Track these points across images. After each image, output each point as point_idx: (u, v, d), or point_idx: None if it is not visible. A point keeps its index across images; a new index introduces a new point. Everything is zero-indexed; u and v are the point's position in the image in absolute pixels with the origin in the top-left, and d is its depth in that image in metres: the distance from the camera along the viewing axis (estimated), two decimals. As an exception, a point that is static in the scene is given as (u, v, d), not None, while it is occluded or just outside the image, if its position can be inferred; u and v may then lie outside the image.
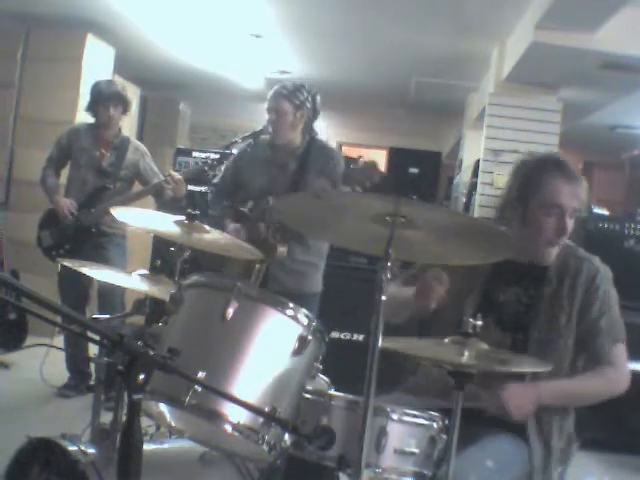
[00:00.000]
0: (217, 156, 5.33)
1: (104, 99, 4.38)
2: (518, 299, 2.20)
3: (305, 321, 1.83)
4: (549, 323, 2.14)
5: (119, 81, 5.69)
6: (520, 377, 2.10)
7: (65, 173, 4.65)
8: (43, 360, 3.66)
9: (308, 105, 3.54)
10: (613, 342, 2.15)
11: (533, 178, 2.15)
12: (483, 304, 2.18)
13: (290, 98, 3.50)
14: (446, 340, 1.84)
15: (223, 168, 3.90)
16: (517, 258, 2.15)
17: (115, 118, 4.45)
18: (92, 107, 4.46)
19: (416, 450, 1.77)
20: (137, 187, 4.59)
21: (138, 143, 4.69)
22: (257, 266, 3.47)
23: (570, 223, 2.15)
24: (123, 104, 4.47)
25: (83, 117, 4.65)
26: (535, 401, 2.04)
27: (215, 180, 3.96)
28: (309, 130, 3.60)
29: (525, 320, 2.17)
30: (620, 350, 2.17)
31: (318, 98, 3.61)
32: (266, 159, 3.63)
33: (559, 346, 2.12)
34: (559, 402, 2.12)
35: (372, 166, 3.43)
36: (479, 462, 1.92)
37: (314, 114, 3.60)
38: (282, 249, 3.47)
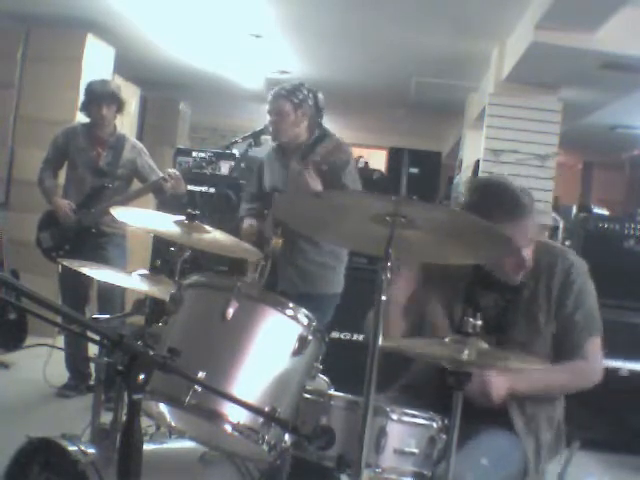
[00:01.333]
0: (217, 151, 5.33)
1: (97, 99, 4.37)
2: (496, 303, 2.21)
3: (305, 321, 1.83)
4: (528, 324, 2.15)
5: (114, 80, 5.72)
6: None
7: (62, 174, 4.64)
8: (47, 360, 3.67)
9: (309, 102, 3.56)
10: (588, 335, 2.15)
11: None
12: (468, 309, 2.19)
13: (289, 97, 3.52)
14: (446, 339, 1.85)
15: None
16: (489, 268, 2.18)
17: (109, 117, 4.44)
18: (86, 107, 4.45)
19: (416, 450, 1.77)
20: (135, 185, 4.59)
21: (134, 140, 4.68)
22: (261, 263, 3.50)
23: (528, 251, 2.13)
24: (117, 103, 4.46)
25: (83, 117, 4.64)
26: (510, 387, 2.05)
27: (246, 186, 4.10)
28: (315, 127, 3.61)
29: (505, 322, 2.18)
30: (594, 343, 2.16)
31: (320, 95, 3.62)
32: (275, 159, 3.71)
33: (539, 345, 2.13)
34: (531, 390, 2.11)
35: (337, 146, 3.51)
36: (474, 460, 1.93)
37: (317, 111, 3.61)
38: (277, 241, 3.49)
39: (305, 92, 3.55)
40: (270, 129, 3.61)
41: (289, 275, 3.54)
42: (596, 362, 2.17)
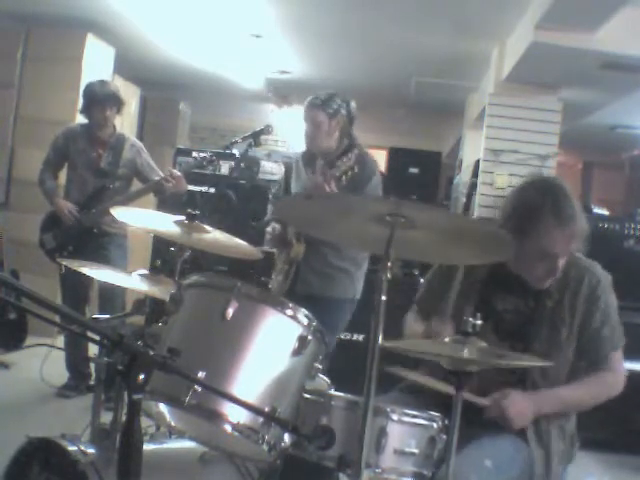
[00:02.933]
0: (217, 151, 5.33)
1: (99, 101, 4.36)
2: (517, 309, 2.19)
3: (305, 321, 1.83)
4: (550, 336, 2.13)
5: (112, 81, 5.71)
6: (521, 382, 2.09)
7: (62, 175, 4.64)
8: (45, 360, 3.67)
9: (343, 112, 3.58)
10: (612, 349, 2.18)
11: (529, 223, 2.07)
12: (480, 310, 2.18)
13: (324, 108, 3.55)
14: (446, 339, 1.85)
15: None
16: (515, 270, 2.16)
17: (110, 119, 4.44)
18: (87, 109, 4.44)
19: (416, 450, 1.77)
20: (136, 184, 4.59)
21: (134, 140, 4.68)
22: (285, 267, 3.54)
23: (563, 260, 2.12)
24: (118, 104, 4.46)
25: (83, 117, 4.64)
26: (535, 411, 2.06)
27: (274, 190, 4.14)
28: (346, 135, 3.63)
29: (525, 331, 2.16)
30: (619, 355, 2.20)
31: (352, 104, 3.65)
32: (302, 165, 3.73)
33: (558, 359, 2.11)
34: (559, 410, 2.13)
35: (360, 160, 3.51)
36: (478, 462, 1.92)
37: (350, 120, 3.63)
38: (298, 248, 3.52)
39: (339, 102, 3.58)
40: (305, 139, 3.65)
41: (307, 277, 3.56)
42: (621, 372, 2.21)
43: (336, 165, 3.44)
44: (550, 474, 2.08)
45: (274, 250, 3.74)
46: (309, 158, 3.71)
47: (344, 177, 3.32)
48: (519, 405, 2.02)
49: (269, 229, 3.67)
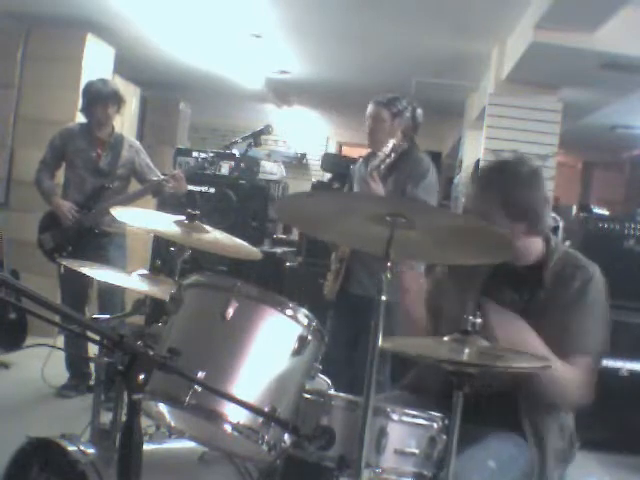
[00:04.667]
0: (217, 151, 5.33)
1: (101, 99, 4.36)
2: (513, 301, 2.19)
3: (305, 321, 1.83)
4: (540, 329, 2.10)
5: (113, 79, 5.71)
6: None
7: (60, 174, 4.63)
8: (46, 360, 3.67)
9: (407, 114, 3.60)
10: (580, 350, 2.03)
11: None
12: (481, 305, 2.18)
13: (388, 106, 3.58)
14: (446, 338, 1.84)
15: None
16: (512, 261, 2.15)
17: (111, 117, 4.44)
18: (88, 107, 4.44)
19: (416, 450, 1.77)
20: (134, 184, 4.59)
21: (132, 140, 4.68)
22: (337, 266, 3.55)
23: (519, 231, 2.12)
24: (119, 103, 4.46)
25: (83, 118, 4.64)
26: (519, 327, 2.02)
27: None
28: (408, 140, 3.63)
29: None
30: (584, 362, 2.03)
31: (419, 111, 3.66)
32: (362, 166, 3.75)
33: (553, 352, 2.04)
34: (522, 347, 1.97)
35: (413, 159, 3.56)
36: (481, 462, 1.92)
37: (414, 125, 3.64)
38: (345, 247, 3.53)
39: (405, 104, 3.60)
40: (368, 137, 3.66)
41: (362, 279, 3.56)
42: (583, 382, 2.03)
43: (376, 156, 3.44)
44: (545, 470, 2.08)
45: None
46: (369, 160, 3.71)
47: (382, 165, 3.32)
48: (507, 322, 2.01)
49: None
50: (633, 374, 4.37)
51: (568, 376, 2.00)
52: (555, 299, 2.13)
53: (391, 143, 3.41)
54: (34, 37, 6.17)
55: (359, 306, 3.47)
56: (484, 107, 6.09)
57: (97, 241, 4.39)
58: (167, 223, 2.42)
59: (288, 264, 5.72)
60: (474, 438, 1.92)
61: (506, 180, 2.13)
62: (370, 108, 3.65)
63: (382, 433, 1.73)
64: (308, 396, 1.83)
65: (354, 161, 3.75)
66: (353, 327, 3.56)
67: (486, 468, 1.92)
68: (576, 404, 2.08)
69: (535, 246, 2.19)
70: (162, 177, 4.34)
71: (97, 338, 1.49)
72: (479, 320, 1.79)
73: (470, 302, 2.17)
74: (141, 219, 2.56)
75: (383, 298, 1.68)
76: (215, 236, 2.46)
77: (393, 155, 3.36)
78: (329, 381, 2.22)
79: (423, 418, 1.80)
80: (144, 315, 2.61)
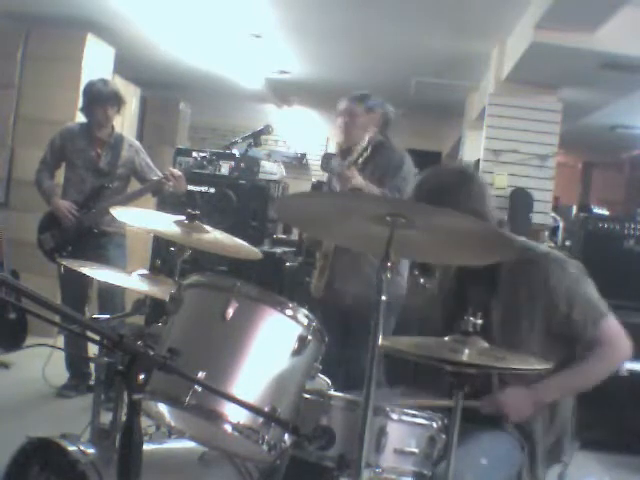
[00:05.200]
0: (217, 151, 5.33)
1: (101, 99, 4.35)
2: (479, 299, 2.15)
3: (305, 321, 1.83)
4: (509, 327, 2.11)
5: (113, 80, 5.71)
6: (521, 378, 2.08)
7: (59, 174, 4.63)
8: (47, 360, 3.67)
9: (380, 110, 3.68)
10: (596, 323, 2.08)
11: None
12: (455, 301, 2.19)
13: (361, 101, 3.65)
14: (446, 339, 1.85)
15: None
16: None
17: (111, 118, 4.44)
18: (88, 107, 4.43)
19: (416, 450, 1.77)
20: (133, 184, 4.59)
21: (132, 139, 4.68)
22: (321, 262, 3.56)
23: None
24: (119, 103, 4.46)
25: (83, 117, 4.64)
26: (535, 403, 2.03)
27: None
28: (382, 134, 3.69)
29: (484, 321, 2.13)
30: (607, 325, 2.09)
31: (390, 108, 3.76)
32: (337, 163, 3.77)
33: (522, 350, 2.03)
34: (564, 394, 2.10)
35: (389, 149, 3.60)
36: (474, 460, 1.93)
37: (386, 121, 3.72)
38: (328, 242, 3.54)
39: (378, 101, 3.70)
40: (339, 132, 3.71)
41: (348, 278, 3.57)
42: (619, 340, 2.10)
43: (352, 150, 3.48)
44: (536, 468, 2.08)
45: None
46: (342, 155, 3.74)
47: (360, 159, 3.36)
48: (516, 401, 2.01)
49: None
50: (633, 374, 4.36)
51: (609, 351, 2.08)
52: (519, 296, 2.11)
53: (367, 137, 3.48)
54: (34, 37, 6.16)
55: (346, 302, 3.49)
56: (484, 107, 6.09)
57: (97, 241, 4.39)
58: (167, 223, 2.42)
59: (288, 264, 5.72)
60: (466, 436, 1.91)
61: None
62: (343, 104, 3.70)
63: (382, 432, 1.74)
64: (308, 396, 1.83)
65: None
66: (342, 323, 3.57)
67: (479, 466, 1.92)
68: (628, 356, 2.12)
69: None
70: (162, 176, 4.34)
71: (97, 338, 1.49)
72: (479, 321, 1.79)
73: (447, 303, 2.17)
74: (141, 219, 2.56)
75: (383, 298, 1.67)
76: (215, 236, 2.46)
77: (370, 149, 3.43)
78: (329, 381, 2.22)
79: (422, 417, 1.80)
80: (144, 315, 2.62)
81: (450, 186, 2.14)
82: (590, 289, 2.13)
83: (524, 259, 2.11)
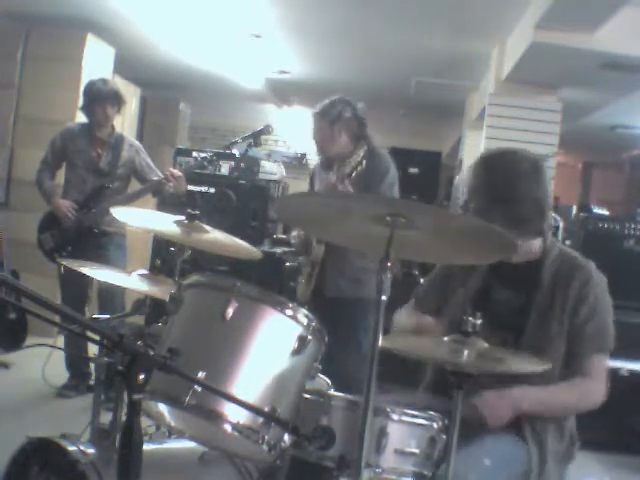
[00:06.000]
0: (217, 151, 5.33)
1: (101, 98, 4.36)
2: (509, 301, 2.19)
3: (305, 321, 1.83)
4: (540, 329, 2.12)
5: (114, 79, 5.71)
6: (513, 378, 2.08)
7: (60, 174, 4.63)
8: (47, 360, 3.67)
9: (346, 115, 3.61)
10: (595, 350, 2.10)
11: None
12: (479, 302, 2.18)
13: (323, 115, 3.61)
14: (445, 339, 1.84)
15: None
16: (508, 259, 2.15)
17: (111, 117, 4.44)
18: (89, 107, 4.44)
19: (416, 450, 1.77)
20: (134, 184, 4.59)
21: (132, 139, 4.69)
22: (308, 269, 3.57)
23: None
24: (119, 103, 4.47)
25: (83, 117, 4.64)
26: (513, 408, 2.02)
27: None
28: (358, 137, 3.66)
29: (516, 323, 2.15)
30: (600, 361, 2.12)
31: (358, 106, 3.68)
32: (322, 169, 3.80)
33: (550, 353, 2.07)
34: (538, 411, 2.08)
35: (374, 156, 3.58)
36: (477, 461, 1.92)
37: (358, 122, 3.66)
38: (318, 249, 3.57)
39: (339, 107, 3.61)
40: (316, 149, 3.74)
41: (336, 280, 3.58)
42: (601, 381, 2.11)
43: (345, 163, 3.47)
44: (544, 473, 2.07)
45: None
46: (326, 163, 3.76)
47: (354, 173, 3.36)
48: (493, 405, 2.00)
49: (294, 233, 3.73)
50: (633, 374, 4.37)
51: (591, 389, 2.10)
52: (555, 299, 2.13)
53: (362, 151, 3.52)
54: (34, 37, 6.16)
55: (334, 307, 3.49)
56: (484, 107, 6.09)
57: (97, 241, 4.39)
58: (167, 223, 2.42)
59: (288, 264, 5.71)
60: (469, 436, 1.91)
61: (506, 174, 2.16)
62: (311, 121, 3.69)
63: (382, 433, 1.74)
64: (308, 396, 1.83)
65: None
66: (331, 329, 3.57)
67: (482, 466, 1.92)
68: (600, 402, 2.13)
69: (533, 244, 2.20)
70: (162, 177, 4.35)
71: (97, 338, 1.49)
72: (479, 321, 1.79)
73: (467, 302, 2.17)
74: (141, 219, 2.56)
75: (383, 298, 1.67)
76: (215, 236, 2.46)
77: (364, 162, 3.43)
78: (329, 381, 2.22)
79: (423, 418, 1.80)
80: (144, 315, 2.61)
81: (525, 174, 2.16)
82: (610, 315, 2.16)
83: (571, 264, 2.16)
